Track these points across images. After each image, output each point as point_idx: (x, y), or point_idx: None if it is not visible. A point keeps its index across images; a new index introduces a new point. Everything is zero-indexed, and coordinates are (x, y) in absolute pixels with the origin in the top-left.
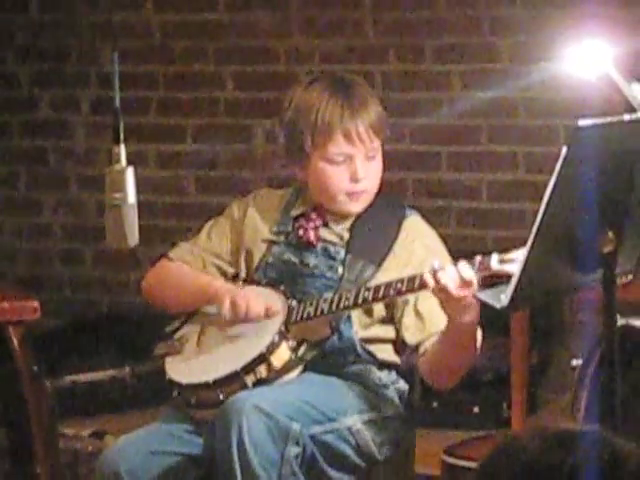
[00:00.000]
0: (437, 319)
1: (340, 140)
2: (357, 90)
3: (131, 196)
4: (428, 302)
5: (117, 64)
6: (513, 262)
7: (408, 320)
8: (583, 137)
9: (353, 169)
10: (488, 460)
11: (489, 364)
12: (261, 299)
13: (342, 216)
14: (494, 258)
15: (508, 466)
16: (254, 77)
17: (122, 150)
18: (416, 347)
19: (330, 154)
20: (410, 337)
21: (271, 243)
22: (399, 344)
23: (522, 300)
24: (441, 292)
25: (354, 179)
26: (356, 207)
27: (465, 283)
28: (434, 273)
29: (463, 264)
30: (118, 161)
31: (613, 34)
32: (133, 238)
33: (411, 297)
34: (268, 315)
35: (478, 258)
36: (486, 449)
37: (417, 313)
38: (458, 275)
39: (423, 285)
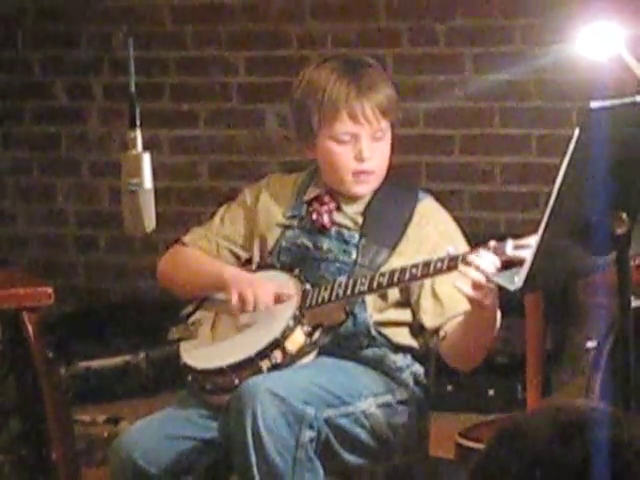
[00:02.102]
0: (456, 302)
1: (346, 119)
2: (367, 71)
3: (147, 181)
4: (446, 285)
5: (132, 49)
6: (528, 248)
7: (426, 303)
8: (595, 119)
9: (359, 148)
10: (493, 448)
11: (504, 347)
12: (270, 287)
13: (352, 199)
14: (509, 244)
15: (515, 456)
16: (266, 61)
17: (138, 135)
18: (435, 330)
19: (336, 133)
20: (429, 321)
21: (285, 227)
22: (416, 327)
23: (536, 282)
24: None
25: (359, 158)
26: (363, 189)
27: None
28: (457, 261)
29: (484, 252)
30: (134, 146)
31: (625, 16)
32: (150, 223)
33: (427, 280)
34: (279, 301)
35: (493, 244)
36: None
37: (435, 296)
38: (484, 263)
39: (439, 270)
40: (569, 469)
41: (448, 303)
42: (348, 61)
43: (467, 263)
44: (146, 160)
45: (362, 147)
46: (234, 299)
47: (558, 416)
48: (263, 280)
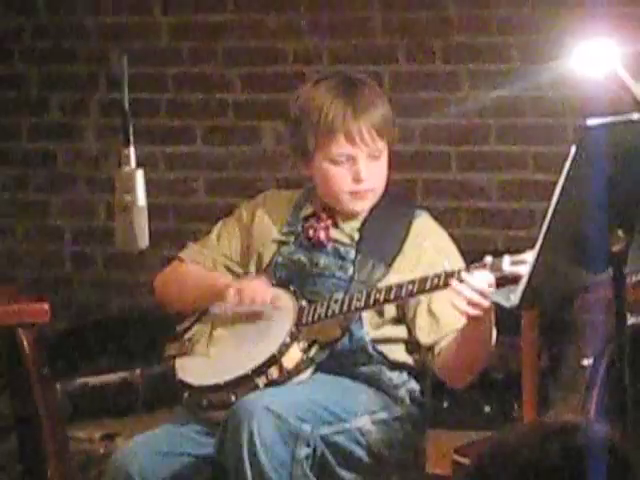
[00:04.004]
0: (451, 318)
1: (342, 141)
2: (363, 91)
3: (141, 198)
4: (441, 302)
5: (126, 66)
6: (524, 264)
7: (422, 320)
8: (592, 136)
9: (356, 170)
10: (479, 461)
11: (500, 363)
12: (267, 286)
13: (349, 216)
14: (506, 260)
15: (499, 468)
16: (263, 78)
17: (132, 152)
18: (430, 347)
19: (332, 154)
20: (424, 337)
21: (281, 243)
22: (412, 344)
23: (532, 300)
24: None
25: (357, 179)
26: (361, 206)
27: (484, 290)
28: (451, 277)
29: (481, 271)
30: (128, 163)
31: (621, 33)
32: (143, 240)
33: (423, 297)
34: (274, 304)
35: (489, 260)
36: None
37: (431, 313)
38: (478, 282)
39: (435, 287)
40: (549, 474)
41: (443, 320)
42: (344, 80)
43: (461, 281)
44: (139, 177)
45: (359, 168)
46: (231, 292)
47: (540, 428)
48: (261, 280)
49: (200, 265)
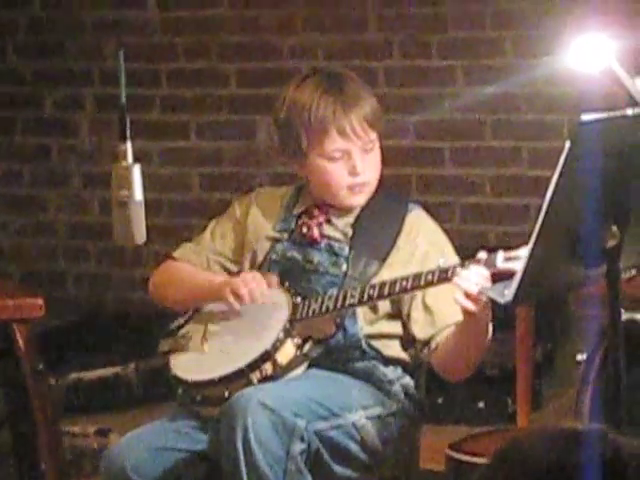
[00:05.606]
0: (446, 313)
1: (335, 137)
2: (349, 85)
3: (138, 193)
4: (436, 297)
5: (122, 61)
6: (518, 260)
7: (417, 315)
8: (586, 131)
9: (352, 164)
10: (490, 465)
11: (494, 359)
12: (258, 276)
13: (345, 211)
14: (499, 256)
15: (510, 470)
16: (257, 73)
17: (129, 147)
18: (426, 342)
19: (327, 151)
20: (420, 332)
21: (274, 241)
22: (406, 339)
23: (526, 295)
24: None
25: (353, 173)
26: (359, 200)
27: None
28: (448, 273)
29: (476, 267)
30: (125, 158)
31: (616, 28)
32: (140, 235)
33: (418, 292)
34: (270, 285)
35: (483, 256)
36: (491, 444)
37: (426, 307)
38: (475, 276)
39: (429, 283)
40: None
41: (438, 314)
42: (327, 76)
43: (458, 276)
44: (136, 172)
45: (355, 162)
46: (230, 298)
47: (549, 431)
48: (251, 274)
49: (194, 264)
